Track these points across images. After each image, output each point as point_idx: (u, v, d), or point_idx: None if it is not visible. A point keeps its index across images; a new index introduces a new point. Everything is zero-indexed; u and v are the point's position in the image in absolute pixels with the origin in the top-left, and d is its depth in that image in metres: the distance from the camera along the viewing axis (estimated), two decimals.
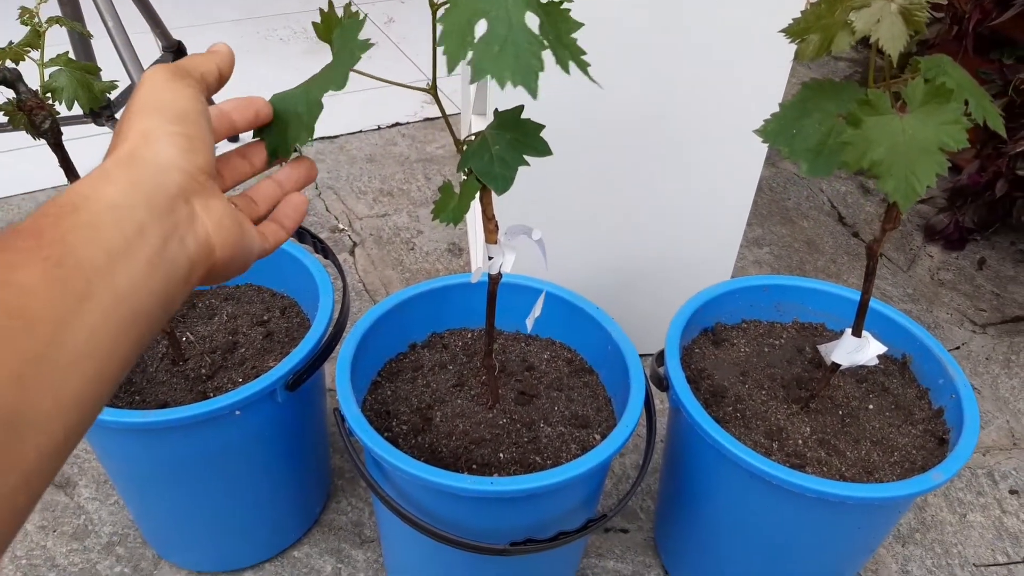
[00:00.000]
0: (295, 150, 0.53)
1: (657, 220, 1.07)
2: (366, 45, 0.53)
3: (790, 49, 0.88)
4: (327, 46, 0.57)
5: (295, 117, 0.53)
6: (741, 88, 0.95)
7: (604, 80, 0.55)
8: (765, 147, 1.00)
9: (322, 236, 1.43)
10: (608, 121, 0.97)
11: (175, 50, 1.41)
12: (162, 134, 0.40)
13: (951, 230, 1.49)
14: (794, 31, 0.61)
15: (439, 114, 1.83)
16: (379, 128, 1.77)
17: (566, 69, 0.53)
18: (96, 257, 0.34)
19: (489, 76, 0.51)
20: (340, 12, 0.58)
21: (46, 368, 0.31)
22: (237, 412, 0.76)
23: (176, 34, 1.39)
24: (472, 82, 0.52)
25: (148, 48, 1.48)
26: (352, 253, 1.44)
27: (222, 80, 0.48)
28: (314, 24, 0.56)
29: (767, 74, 0.94)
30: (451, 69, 0.51)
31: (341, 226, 1.50)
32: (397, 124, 1.79)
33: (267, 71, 1.97)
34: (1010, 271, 1.46)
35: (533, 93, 0.52)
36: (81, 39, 1.14)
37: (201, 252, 0.40)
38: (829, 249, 1.49)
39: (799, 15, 0.83)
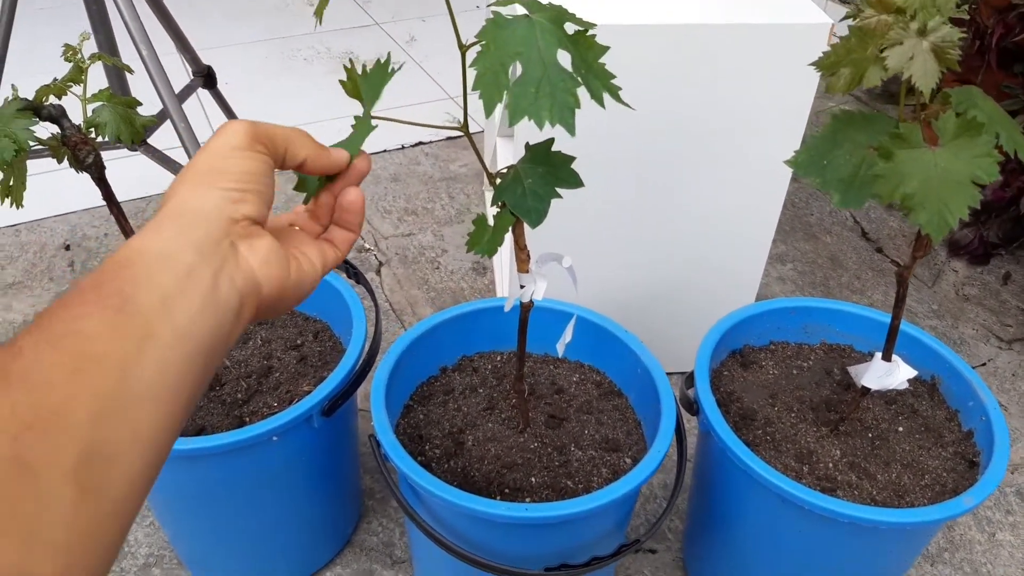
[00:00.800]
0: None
1: (683, 241, 1.08)
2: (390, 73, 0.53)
3: (814, 76, 0.90)
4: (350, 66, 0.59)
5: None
6: (766, 112, 0.96)
7: (628, 112, 0.56)
8: (789, 172, 1.01)
9: (349, 256, 1.45)
10: (632, 146, 0.98)
11: (205, 74, 1.44)
12: (216, 188, 0.42)
13: (975, 245, 1.48)
14: (825, 64, 0.61)
15: (461, 133, 1.84)
16: (403, 147, 1.79)
17: (600, 102, 0.55)
18: (152, 300, 0.36)
19: (527, 117, 0.52)
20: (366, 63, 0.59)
21: (120, 404, 0.33)
22: (274, 438, 0.77)
23: (202, 56, 1.41)
24: (511, 124, 0.53)
25: (176, 69, 1.51)
26: (378, 273, 1.45)
27: (305, 169, 0.49)
28: (342, 82, 0.58)
29: (792, 99, 0.95)
30: (489, 112, 0.53)
31: (367, 246, 1.51)
32: (420, 143, 1.81)
33: (291, 91, 2.00)
34: None
35: (571, 131, 0.53)
36: (116, 69, 1.16)
37: (249, 289, 0.42)
38: (853, 265, 1.49)
39: (826, 47, 0.84)
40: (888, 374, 0.75)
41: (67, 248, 1.48)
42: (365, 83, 0.56)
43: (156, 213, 0.42)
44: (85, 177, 0.77)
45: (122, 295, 0.36)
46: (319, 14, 0.58)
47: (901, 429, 0.83)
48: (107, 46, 1.22)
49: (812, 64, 0.63)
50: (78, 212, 1.56)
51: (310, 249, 0.49)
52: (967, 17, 0.56)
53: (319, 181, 0.52)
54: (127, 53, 1.23)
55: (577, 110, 0.53)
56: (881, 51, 0.56)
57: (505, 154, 1.44)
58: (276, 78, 2.07)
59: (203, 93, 1.49)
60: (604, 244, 1.07)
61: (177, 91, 1.20)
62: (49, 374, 0.32)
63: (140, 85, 1.14)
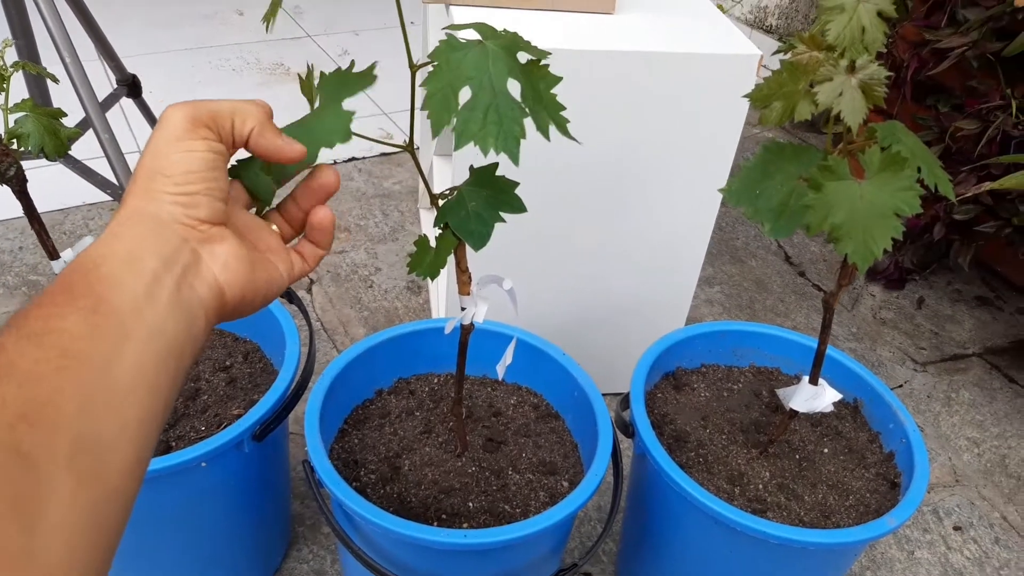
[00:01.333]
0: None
1: (617, 265, 1.09)
2: (368, 78, 0.51)
3: (744, 105, 0.92)
4: (281, 77, 0.57)
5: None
6: (697, 140, 0.98)
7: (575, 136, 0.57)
8: (719, 198, 1.04)
9: None
10: (566, 170, 0.99)
11: (130, 83, 1.39)
12: (164, 193, 0.41)
13: (892, 270, 1.55)
14: (757, 97, 0.63)
15: (394, 149, 1.84)
16: (335, 163, 1.77)
17: (546, 135, 0.55)
18: (125, 302, 0.38)
19: (473, 143, 0.52)
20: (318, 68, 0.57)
21: (105, 397, 0.35)
22: (203, 464, 0.75)
23: (127, 64, 1.37)
24: (456, 148, 0.52)
25: (98, 76, 1.46)
26: (309, 291, 1.43)
27: (251, 147, 0.45)
28: (301, 81, 0.56)
29: (722, 127, 0.98)
30: (436, 134, 0.53)
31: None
32: (353, 159, 1.79)
33: None
34: (947, 310, 1.52)
35: (515, 160, 0.53)
36: (37, 76, 1.12)
37: (211, 294, 0.42)
38: (777, 288, 1.54)
39: (756, 78, 0.86)
40: (815, 397, 0.78)
41: None
42: (334, 81, 0.54)
43: (114, 215, 0.41)
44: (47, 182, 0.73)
45: (94, 295, 0.37)
46: (268, 19, 0.56)
47: (826, 451, 0.86)
48: (27, 52, 1.17)
49: (745, 96, 0.65)
50: (51, 212, 1.49)
51: (279, 257, 0.47)
52: (884, 50, 0.59)
53: (272, 184, 0.49)
54: (48, 58, 1.19)
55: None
56: (812, 86, 0.58)
57: (442, 173, 1.44)
58: (203, 88, 2.02)
59: (127, 102, 1.44)
60: (539, 267, 1.07)
61: (100, 100, 1.16)
62: (35, 368, 0.33)
63: (61, 93, 1.09)
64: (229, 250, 0.43)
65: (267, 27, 0.57)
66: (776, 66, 0.62)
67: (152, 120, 1.46)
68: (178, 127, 0.43)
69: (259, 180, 0.50)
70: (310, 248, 0.50)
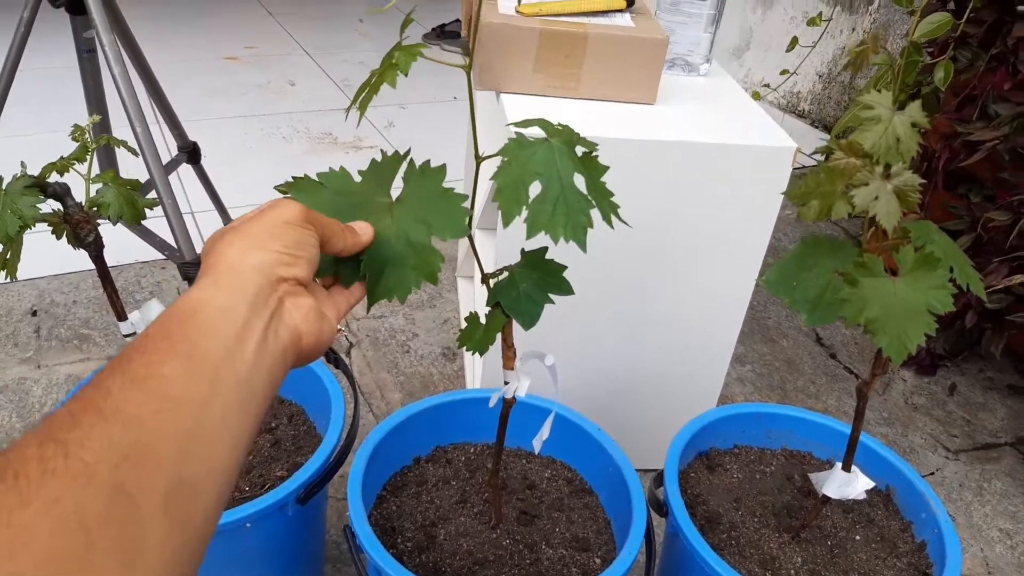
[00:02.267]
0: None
1: (653, 343, 1.12)
2: (461, 199, 0.57)
3: (779, 193, 0.96)
4: (328, 146, 0.62)
5: (395, 259, 0.56)
6: (734, 224, 1.02)
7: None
8: (752, 279, 1.06)
9: None
10: (606, 251, 1.03)
11: (191, 150, 1.46)
12: (273, 250, 0.47)
13: (923, 356, 1.55)
14: (795, 195, 0.67)
15: None
16: None
17: (610, 223, 0.59)
18: (218, 349, 0.42)
19: (544, 232, 0.56)
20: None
21: (197, 442, 0.38)
22: (248, 524, 0.77)
23: (183, 127, 1.44)
24: (528, 237, 0.56)
25: (157, 140, 1.54)
26: (348, 354, 1.47)
27: (341, 254, 0.55)
28: (373, 161, 0.61)
29: (758, 213, 1.01)
30: (507, 223, 0.56)
31: (339, 327, 1.53)
32: None
33: (269, 168, 2.04)
34: (979, 398, 1.52)
35: (583, 247, 0.57)
36: (107, 149, 1.19)
37: (292, 340, 0.47)
38: (808, 370, 1.55)
39: (790, 167, 0.90)
40: (848, 484, 0.79)
41: (34, 314, 1.47)
42: (413, 182, 0.59)
43: (206, 267, 0.47)
44: (55, 243, 0.78)
45: (190, 342, 0.41)
46: (362, 108, 0.60)
47: (858, 538, 0.86)
48: (100, 123, 1.24)
49: (784, 193, 0.69)
50: (47, 277, 1.55)
51: (327, 305, 0.54)
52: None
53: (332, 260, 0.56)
54: (116, 121, 1.26)
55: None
56: (848, 188, 0.61)
57: (484, 247, 1.48)
58: (254, 154, 2.11)
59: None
60: (577, 341, 1.10)
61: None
62: (138, 412, 0.37)
63: (123, 155, 1.16)
64: (310, 304, 0.49)
65: (360, 114, 0.61)
66: (808, 148, 0.65)
67: (207, 184, 1.53)
68: (295, 215, 0.50)
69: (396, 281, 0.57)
70: (343, 296, 0.56)
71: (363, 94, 0.59)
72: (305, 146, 2.16)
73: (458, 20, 2.95)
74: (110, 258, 0.79)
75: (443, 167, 0.59)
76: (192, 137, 1.47)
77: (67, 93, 1.43)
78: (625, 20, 1.03)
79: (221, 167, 1.95)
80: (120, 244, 1.51)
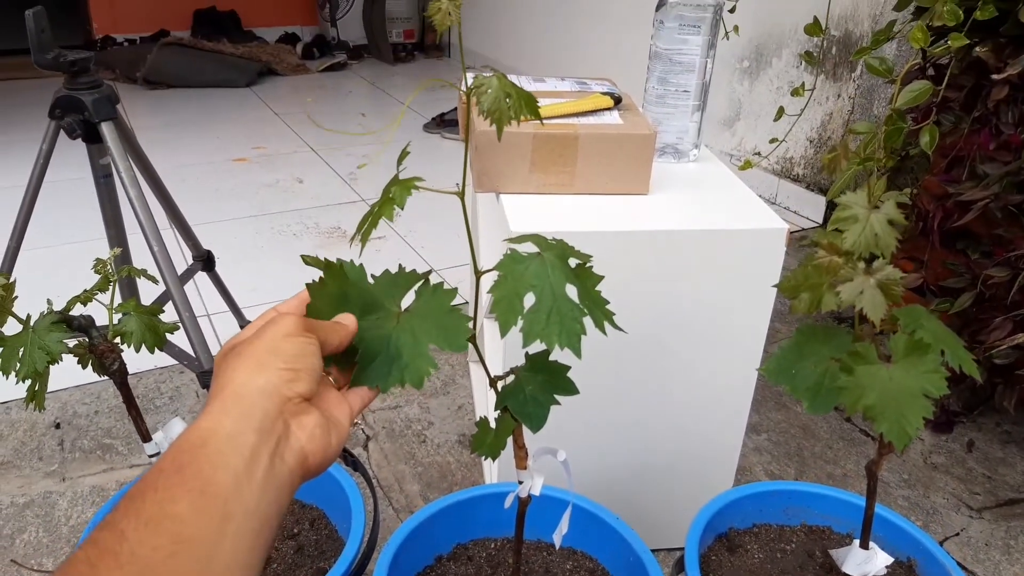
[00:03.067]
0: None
1: (663, 424, 1.13)
2: (467, 319, 0.60)
3: (775, 273, 0.98)
4: (337, 242, 0.66)
5: (388, 356, 0.59)
6: (734, 304, 1.05)
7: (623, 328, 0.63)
8: (758, 356, 1.09)
9: None
10: (611, 343, 1.05)
11: (205, 258, 1.52)
12: (274, 368, 0.49)
13: (939, 414, 1.56)
14: (786, 287, 0.70)
15: None
16: None
17: (603, 330, 0.62)
18: (228, 481, 0.43)
19: (539, 340, 0.59)
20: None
21: None
22: None
23: (195, 230, 1.49)
24: (524, 346, 0.60)
25: (170, 247, 1.59)
26: (366, 447, 1.48)
27: (338, 350, 0.57)
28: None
29: (756, 292, 1.04)
30: (503, 334, 0.60)
31: (355, 420, 1.55)
32: None
33: (281, 265, 2.09)
34: (999, 453, 1.52)
35: (578, 354, 0.60)
36: (123, 262, 1.23)
37: (298, 461, 0.49)
38: (824, 435, 1.55)
39: (783, 248, 0.92)
40: (867, 561, 0.80)
41: (57, 427, 1.50)
42: (423, 298, 0.63)
43: (215, 390, 0.49)
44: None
45: (201, 478, 0.42)
46: (364, 239, 0.65)
47: None
48: (118, 240, 1.30)
49: (775, 286, 0.72)
50: (68, 389, 1.59)
51: (338, 408, 0.55)
52: (909, 202, 0.65)
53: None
54: (130, 229, 1.31)
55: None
56: (834, 284, 0.64)
57: (491, 331, 1.51)
58: (266, 253, 2.16)
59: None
60: (587, 431, 1.12)
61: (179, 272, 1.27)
62: (152, 556, 0.38)
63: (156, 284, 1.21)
64: (315, 421, 0.51)
65: (361, 245, 0.65)
66: (805, 211, 0.68)
67: (223, 290, 1.57)
68: (292, 328, 0.52)
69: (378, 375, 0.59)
70: (357, 396, 0.58)
71: (364, 226, 0.63)
72: (316, 241, 2.22)
73: (456, 108, 3.05)
74: (129, 365, 0.82)
75: (454, 290, 0.63)
76: (205, 239, 1.52)
77: (84, 202, 1.49)
78: (613, 117, 1.08)
79: (234, 267, 2.00)
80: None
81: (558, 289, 0.61)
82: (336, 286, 0.61)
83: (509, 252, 0.62)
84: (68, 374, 1.59)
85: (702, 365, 1.08)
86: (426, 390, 1.64)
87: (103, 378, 0.80)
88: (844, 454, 1.50)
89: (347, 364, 0.59)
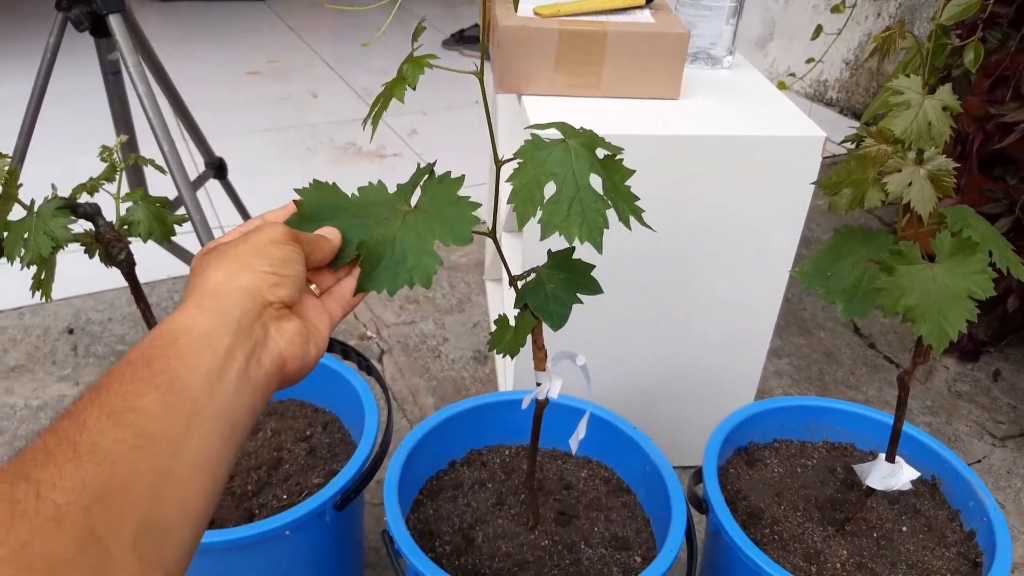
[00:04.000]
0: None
1: (687, 338, 1.11)
2: (474, 203, 0.57)
3: (810, 183, 0.94)
4: (352, 158, 0.63)
5: (392, 260, 0.57)
6: (765, 217, 1.00)
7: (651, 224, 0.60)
8: (786, 272, 1.05)
9: (351, 343, 1.47)
10: (638, 248, 1.02)
11: (217, 165, 1.48)
12: (258, 270, 0.47)
13: (965, 342, 1.52)
14: (827, 184, 0.66)
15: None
16: None
17: (628, 225, 0.58)
18: (198, 380, 0.41)
19: (559, 233, 0.56)
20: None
21: (172, 480, 0.37)
22: (287, 532, 0.78)
23: (209, 143, 1.46)
24: (543, 238, 0.56)
25: (184, 157, 1.56)
26: (380, 360, 1.47)
27: (321, 264, 0.54)
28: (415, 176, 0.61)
29: (789, 205, 0.99)
30: (522, 225, 0.56)
31: (370, 333, 1.54)
32: None
33: (295, 180, 2.05)
34: None
35: (599, 248, 0.56)
36: (134, 165, 1.20)
37: (275, 367, 0.46)
38: (847, 360, 1.52)
39: (819, 157, 0.88)
40: (892, 475, 0.77)
41: (70, 332, 1.49)
42: (431, 192, 0.60)
43: (191, 288, 0.46)
44: (88, 261, 0.79)
45: (170, 373, 0.40)
46: (375, 122, 0.61)
47: (905, 529, 0.84)
48: (128, 143, 1.26)
49: (815, 183, 0.68)
50: (82, 296, 1.58)
51: (318, 317, 0.53)
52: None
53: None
54: (143, 139, 1.28)
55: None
56: (880, 176, 0.60)
57: (511, 248, 1.48)
58: (279, 166, 2.12)
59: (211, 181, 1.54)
60: (610, 340, 1.09)
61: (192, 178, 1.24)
62: (113, 449, 0.36)
63: (151, 174, 1.17)
64: (295, 328, 0.48)
65: (372, 131, 0.61)
66: (837, 136, 0.64)
67: (235, 198, 1.54)
68: (279, 235, 0.49)
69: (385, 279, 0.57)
70: (337, 304, 0.56)
71: (375, 108, 0.59)
72: (330, 156, 2.17)
73: (476, 25, 2.95)
74: (142, 275, 0.80)
75: (461, 177, 0.59)
76: (218, 151, 1.49)
77: (95, 112, 1.46)
78: (645, 16, 1.02)
79: (247, 180, 1.96)
80: (152, 261, 1.53)
81: (581, 179, 0.57)
82: (324, 198, 0.59)
83: (531, 138, 0.58)
84: (81, 280, 1.57)
85: (729, 279, 1.05)
86: (441, 307, 1.62)
87: (117, 287, 0.77)
88: (867, 380, 1.47)
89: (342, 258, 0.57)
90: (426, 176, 0.61)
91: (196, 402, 0.40)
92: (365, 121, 0.62)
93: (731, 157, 0.96)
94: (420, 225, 0.58)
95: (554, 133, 0.58)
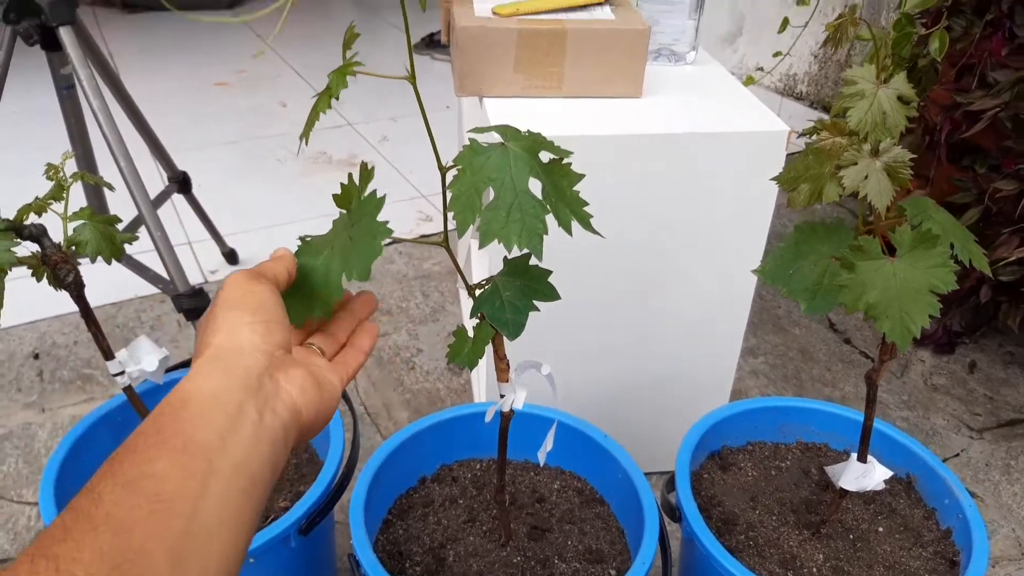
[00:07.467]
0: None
1: (657, 342, 1.09)
2: (386, 231, 0.55)
3: (773, 185, 0.93)
4: (323, 167, 0.61)
5: (318, 289, 0.55)
6: (732, 214, 0.99)
7: (598, 220, 0.58)
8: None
9: None
10: (602, 251, 1.00)
11: (180, 180, 1.45)
12: (243, 324, 0.47)
13: (940, 335, 1.52)
14: (785, 180, 0.64)
15: (434, 231, 1.88)
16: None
17: (568, 230, 0.56)
18: (211, 438, 0.40)
19: (497, 240, 0.54)
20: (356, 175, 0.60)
21: (191, 542, 0.37)
22: (251, 560, 0.75)
23: (175, 158, 1.43)
24: (481, 247, 0.54)
25: (149, 171, 1.53)
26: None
27: (290, 279, 0.54)
28: (334, 196, 0.59)
29: (756, 200, 0.98)
30: (461, 233, 0.54)
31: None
32: (394, 241, 1.83)
33: (264, 193, 2.02)
34: (1001, 373, 1.48)
35: (539, 255, 0.55)
36: (94, 185, 1.17)
37: (291, 417, 0.46)
38: (823, 357, 1.51)
39: (784, 152, 0.87)
40: (864, 475, 0.76)
41: (36, 357, 1.46)
42: (358, 211, 0.58)
43: (195, 354, 0.46)
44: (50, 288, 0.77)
45: (183, 435, 0.40)
46: (306, 136, 0.60)
47: (881, 529, 0.83)
48: (84, 158, 1.23)
49: (773, 179, 0.66)
50: (47, 319, 1.54)
51: (328, 371, 0.52)
52: (916, 114, 0.59)
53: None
54: (103, 156, 1.25)
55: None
56: (837, 169, 0.58)
57: (480, 257, 1.46)
58: (249, 178, 2.09)
59: (177, 196, 1.51)
60: (577, 347, 1.08)
61: (153, 197, 1.22)
62: (130, 517, 0.35)
63: (114, 191, 1.15)
64: (302, 375, 0.48)
65: (304, 142, 0.60)
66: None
67: (201, 213, 1.52)
68: (243, 281, 0.50)
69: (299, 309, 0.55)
70: (353, 353, 0.56)
71: (307, 125, 0.58)
72: (300, 167, 2.14)
73: None
74: (109, 295, 0.78)
75: (382, 198, 0.57)
76: (187, 165, 1.46)
77: (51, 131, 1.43)
78: (605, 13, 1.01)
79: (217, 193, 1.94)
80: (119, 280, 1.50)
81: (520, 184, 0.55)
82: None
83: (469, 143, 0.57)
84: (47, 304, 1.54)
85: (697, 277, 1.03)
86: (414, 317, 1.59)
87: (61, 312, 0.75)
88: (843, 376, 1.46)
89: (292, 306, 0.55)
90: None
91: (211, 460, 0.39)
92: (301, 137, 0.61)
93: (695, 155, 0.94)
94: (337, 256, 0.56)
95: (493, 136, 0.56)
